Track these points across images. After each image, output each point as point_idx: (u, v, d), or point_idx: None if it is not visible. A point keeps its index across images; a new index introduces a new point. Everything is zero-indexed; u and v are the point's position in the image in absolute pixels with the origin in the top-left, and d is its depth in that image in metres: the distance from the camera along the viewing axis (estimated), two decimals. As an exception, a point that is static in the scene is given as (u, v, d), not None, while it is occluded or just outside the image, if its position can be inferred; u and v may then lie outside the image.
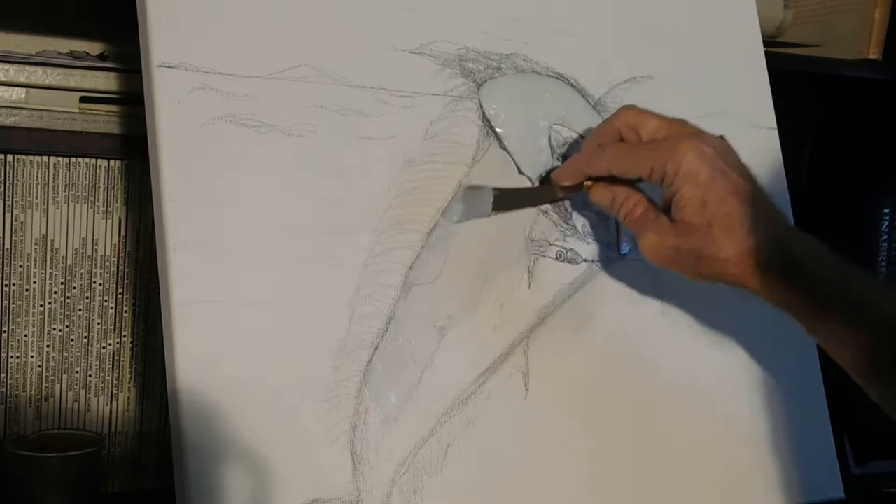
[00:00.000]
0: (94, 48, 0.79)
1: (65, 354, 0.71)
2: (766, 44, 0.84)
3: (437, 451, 0.62)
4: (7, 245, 0.69)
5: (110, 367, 0.73)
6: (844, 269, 0.61)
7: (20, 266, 0.70)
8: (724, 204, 0.60)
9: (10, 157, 0.69)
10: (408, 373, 0.62)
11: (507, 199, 0.67)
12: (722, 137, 0.63)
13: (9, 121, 0.68)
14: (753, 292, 0.62)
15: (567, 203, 0.70)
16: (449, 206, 0.65)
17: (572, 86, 0.72)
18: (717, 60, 0.80)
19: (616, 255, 0.72)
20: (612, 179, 0.65)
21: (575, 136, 0.71)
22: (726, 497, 0.72)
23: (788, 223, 0.63)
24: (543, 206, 0.69)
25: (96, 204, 0.71)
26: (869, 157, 1.00)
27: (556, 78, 0.72)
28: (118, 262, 0.72)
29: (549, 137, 0.70)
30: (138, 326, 0.73)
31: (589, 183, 0.66)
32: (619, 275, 0.71)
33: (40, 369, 0.71)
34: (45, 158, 0.69)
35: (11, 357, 0.70)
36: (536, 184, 0.69)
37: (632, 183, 0.65)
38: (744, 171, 0.62)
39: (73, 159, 0.70)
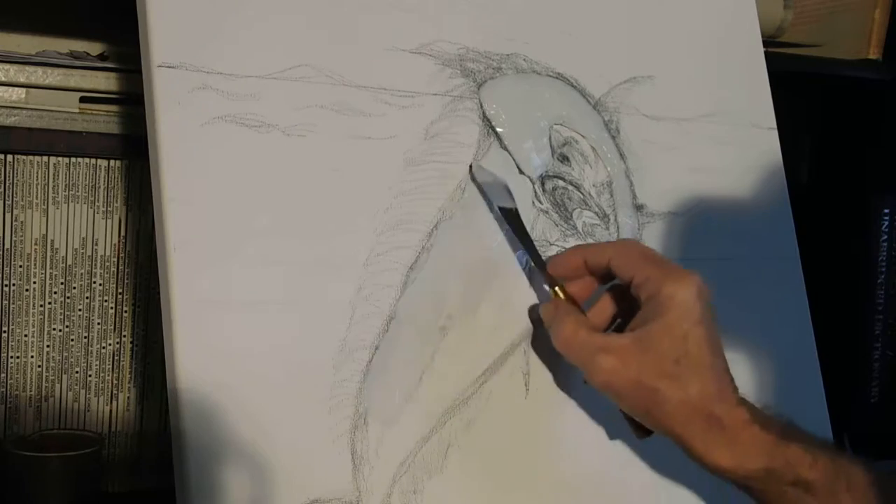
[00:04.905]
0: (94, 48, 0.79)
1: (65, 354, 0.71)
2: (766, 44, 0.84)
3: (437, 452, 0.62)
4: (7, 245, 0.69)
5: (110, 367, 0.73)
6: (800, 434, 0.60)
7: (20, 266, 0.70)
8: (700, 348, 0.58)
9: (10, 157, 0.69)
10: (408, 373, 0.62)
11: (514, 217, 0.66)
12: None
13: (9, 121, 0.68)
14: (696, 458, 0.59)
15: (567, 203, 0.70)
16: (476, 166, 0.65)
17: (572, 86, 0.72)
18: (717, 60, 0.80)
19: (616, 255, 0.72)
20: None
21: (575, 135, 0.71)
22: (726, 496, 0.72)
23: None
24: (544, 206, 0.69)
25: (96, 204, 0.71)
26: (869, 157, 1.00)
27: (556, 78, 0.72)
28: (118, 262, 0.72)
29: (550, 137, 0.70)
30: (138, 326, 0.73)
31: (558, 291, 0.63)
32: (620, 275, 0.71)
33: (40, 369, 0.71)
34: (45, 158, 0.70)
35: (11, 357, 0.70)
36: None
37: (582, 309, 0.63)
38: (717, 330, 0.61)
39: (73, 159, 0.70)
